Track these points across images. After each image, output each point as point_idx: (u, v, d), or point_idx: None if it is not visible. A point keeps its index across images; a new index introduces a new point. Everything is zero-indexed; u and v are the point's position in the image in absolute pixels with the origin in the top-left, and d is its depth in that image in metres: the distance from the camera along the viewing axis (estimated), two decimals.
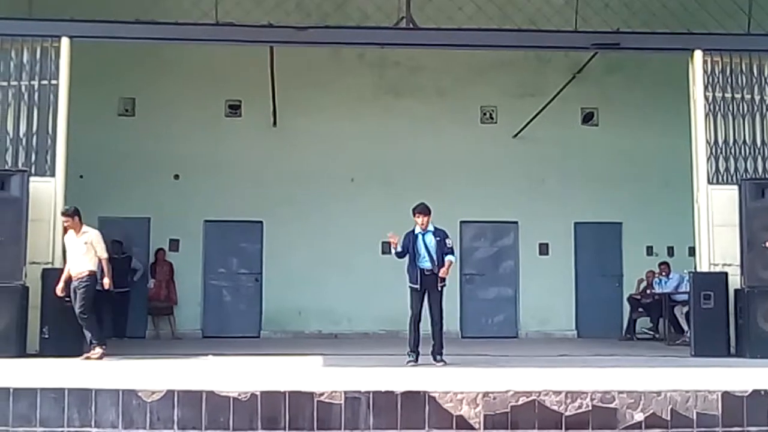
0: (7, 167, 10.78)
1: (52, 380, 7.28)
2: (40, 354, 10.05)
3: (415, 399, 6.94)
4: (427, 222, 10.01)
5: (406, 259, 10.07)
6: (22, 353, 9.94)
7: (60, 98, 11.02)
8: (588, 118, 17.03)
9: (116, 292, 15.24)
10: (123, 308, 15.42)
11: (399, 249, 10.00)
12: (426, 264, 9.93)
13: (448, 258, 10.03)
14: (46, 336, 10.17)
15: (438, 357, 9.89)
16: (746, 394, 7.10)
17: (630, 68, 16.24)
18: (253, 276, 16.39)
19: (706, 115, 11.58)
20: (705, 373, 8.30)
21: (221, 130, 16.32)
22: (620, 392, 7.05)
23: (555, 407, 6.97)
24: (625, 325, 15.77)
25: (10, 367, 8.73)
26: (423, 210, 10.02)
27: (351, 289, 15.81)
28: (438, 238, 10.00)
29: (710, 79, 11.65)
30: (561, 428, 6.96)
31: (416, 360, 9.82)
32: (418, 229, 10.04)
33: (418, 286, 9.93)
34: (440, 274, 9.93)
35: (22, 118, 11.03)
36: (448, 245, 10.08)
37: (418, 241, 9.97)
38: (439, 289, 9.96)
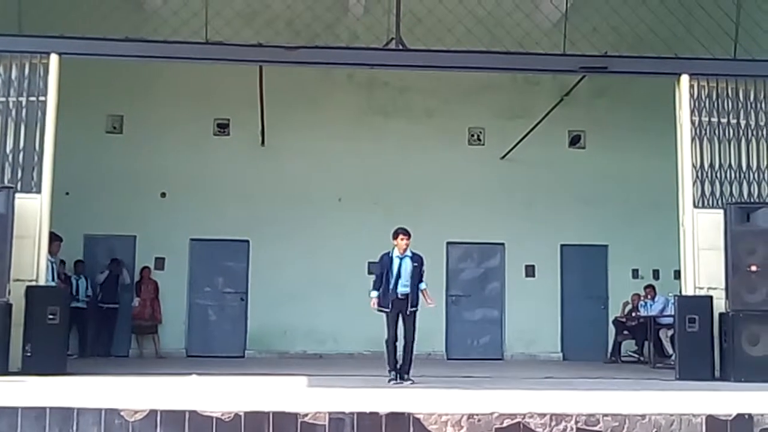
0: None
1: (34, 399, 7.21)
2: (23, 372, 9.96)
3: (399, 420, 6.90)
4: (408, 245, 10.06)
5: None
6: (4, 371, 9.84)
7: (48, 115, 10.98)
8: (575, 140, 17.11)
9: (106, 308, 15.32)
10: (110, 325, 15.39)
11: (375, 289, 10.11)
12: (399, 289, 9.98)
13: (423, 287, 10.13)
14: (29, 354, 10.08)
15: (405, 376, 9.96)
16: (730, 417, 7.10)
17: (617, 91, 16.34)
18: (239, 295, 16.33)
19: (693, 139, 11.64)
20: (689, 396, 8.31)
21: (209, 149, 16.32)
22: (605, 415, 7.03)
23: (539, 430, 6.94)
24: (611, 348, 15.80)
25: None
26: (406, 232, 10.06)
27: (337, 310, 15.76)
28: (415, 264, 10.05)
29: (696, 104, 11.72)
30: None
31: (397, 378, 9.88)
32: (396, 253, 10.06)
33: (388, 310, 9.99)
34: (428, 305, 10.12)
35: (9, 134, 10.98)
36: (422, 271, 10.15)
37: (394, 265, 10.00)
38: (409, 313, 10.00)
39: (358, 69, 15.34)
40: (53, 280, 11.67)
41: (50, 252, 11.13)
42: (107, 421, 6.85)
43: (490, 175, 16.62)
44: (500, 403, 7.34)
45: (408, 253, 10.06)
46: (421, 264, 10.12)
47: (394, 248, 10.10)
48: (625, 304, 16.04)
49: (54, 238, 11.46)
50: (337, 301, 15.76)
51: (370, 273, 14.70)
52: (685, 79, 11.72)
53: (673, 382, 10.69)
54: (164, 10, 12.51)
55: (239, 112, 15.97)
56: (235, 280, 16.35)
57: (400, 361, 10.03)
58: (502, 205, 16.52)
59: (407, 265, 10.01)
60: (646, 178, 15.96)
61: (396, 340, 9.98)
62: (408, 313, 9.99)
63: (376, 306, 10.12)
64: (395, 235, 10.09)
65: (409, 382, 9.85)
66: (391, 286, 9.98)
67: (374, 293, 10.12)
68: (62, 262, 14.22)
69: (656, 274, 16.48)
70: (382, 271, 10.08)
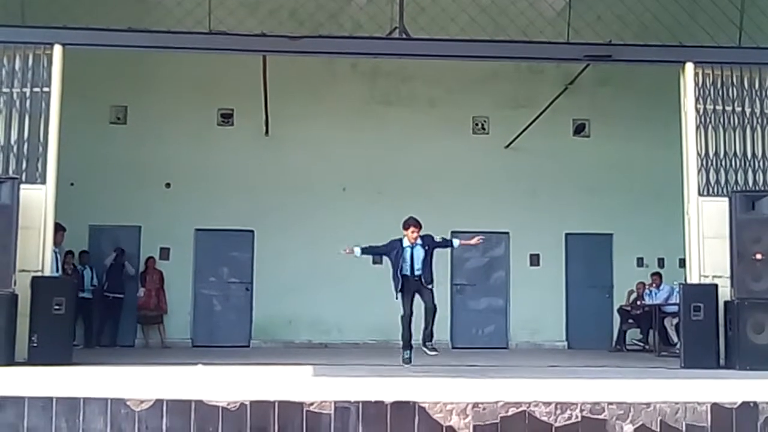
0: None
1: (41, 389, 7.23)
2: (29, 362, 9.96)
3: (404, 409, 6.92)
4: (418, 236, 10.10)
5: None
6: (11, 361, 9.85)
7: (52, 106, 10.96)
8: (579, 129, 17.09)
9: (112, 298, 15.35)
10: (115, 315, 15.42)
11: (361, 248, 10.32)
12: (409, 272, 10.06)
13: (457, 243, 10.64)
14: (35, 344, 10.09)
15: (429, 345, 10.08)
16: (735, 405, 7.11)
17: (621, 80, 16.30)
18: (244, 285, 16.36)
19: (697, 128, 11.59)
20: (694, 384, 8.29)
21: (213, 139, 16.32)
22: (610, 403, 7.04)
23: (545, 418, 6.96)
24: (615, 337, 15.81)
25: None
26: (416, 223, 10.10)
27: (341, 299, 15.79)
28: (426, 248, 10.10)
29: (701, 92, 11.66)
30: None
31: (410, 359, 10.00)
32: (407, 242, 10.09)
33: (401, 293, 10.08)
34: (474, 241, 10.67)
35: (14, 125, 10.95)
36: (437, 240, 10.30)
37: (406, 254, 10.05)
38: (426, 289, 10.10)
39: (362, 58, 15.33)
40: (57, 270, 11.69)
41: (54, 242, 11.14)
42: (113, 410, 6.88)
43: (494, 165, 16.61)
44: (505, 391, 7.34)
45: (418, 241, 10.11)
46: (432, 240, 10.21)
47: (404, 236, 10.15)
48: (630, 292, 16.04)
49: (57, 229, 11.46)
50: (342, 291, 15.78)
51: (374, 263, 14.77)
52: (689, 67, 11.67)
53: (678, 370, 10.68)
54: (168, 0, 12.48)
55: (243, 102, 15.96)
56: (240, 270, 16.38)
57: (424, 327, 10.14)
58: (506, 194, 16.50)
59: (419, 253, 10.09)
60: (651, 166, 15.94)
61: (412, 315, 10.07)
62: (425, 289, 10.09)
63: (344, 251, 10.36)
64: (406, 226, 10.11)
65: (434, 353, 10.03)
66: (403, 272, 10.05)
67: (357, 249, 10.35)
68: (70, 252, 14.25)
69: (661, 263, 16.46)
70: (386, 251, 10.23)
